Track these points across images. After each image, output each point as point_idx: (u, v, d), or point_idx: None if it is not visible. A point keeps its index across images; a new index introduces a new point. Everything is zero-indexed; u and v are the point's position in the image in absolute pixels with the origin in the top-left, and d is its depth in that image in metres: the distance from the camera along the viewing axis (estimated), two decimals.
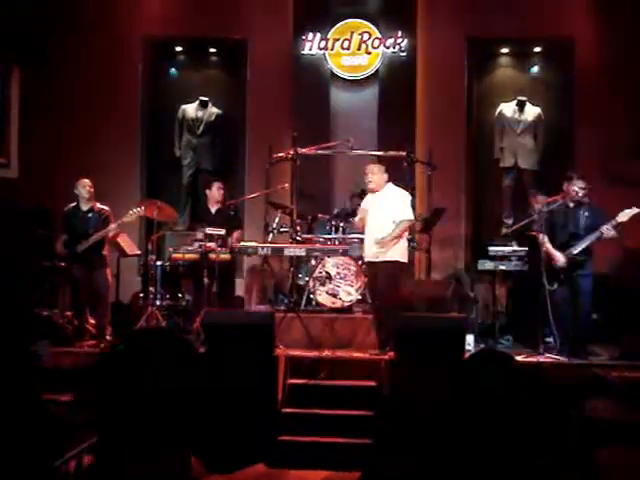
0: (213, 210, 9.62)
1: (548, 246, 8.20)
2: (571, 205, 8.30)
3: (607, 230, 8.03)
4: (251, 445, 6.93)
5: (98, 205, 8.97)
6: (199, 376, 5.06)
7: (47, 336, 8.30)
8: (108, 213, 8.95)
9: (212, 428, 6.11)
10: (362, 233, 8.63)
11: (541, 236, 8.23)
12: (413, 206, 9.38)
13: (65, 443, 5.22)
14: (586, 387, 6.97)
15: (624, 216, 8.03)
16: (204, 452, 6.18)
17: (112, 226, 8.77)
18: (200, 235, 9.14)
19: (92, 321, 8.99)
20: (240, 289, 10.45)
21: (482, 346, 8.50)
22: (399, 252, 8.17)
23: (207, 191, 9.74)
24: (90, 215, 8.89)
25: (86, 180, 8.96)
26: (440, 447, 4.61)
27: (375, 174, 8.27)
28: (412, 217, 8.39)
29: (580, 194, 8.19)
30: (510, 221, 10.56)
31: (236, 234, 9.42)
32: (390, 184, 8.37)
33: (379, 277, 8.16)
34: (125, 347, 5.06)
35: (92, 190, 8.94)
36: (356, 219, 8.65)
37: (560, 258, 8.14)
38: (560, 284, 8.15)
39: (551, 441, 4.29)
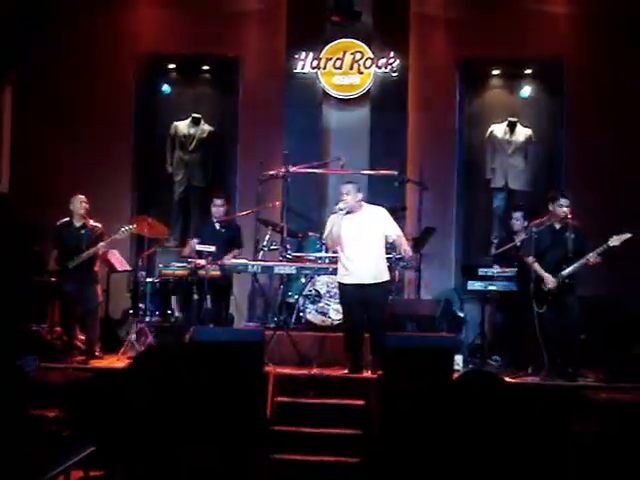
0: (217, 226, 9.52)
1: (537, 268, 8.22)
2: (557, 227, 8.32)
3: (594, 258, 8.06)
4: (240, 463, 6.92)
5: (91, 222, 8.97)
6: None
7: (36, 351, 8.26)
8: (101, 231, 8.96)
9: (200, 445, 6.11)
10: (332, 250, 8.56)
11: (530, 258, 8.26)
12: (403, 225, 9.45)
13: (54, 457, 5.22)
14: (575, 409, 6.99)
15: (615, 241, 8.00)
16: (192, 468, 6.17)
17: (101, 244, 8.77)
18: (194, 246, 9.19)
19: (81, 337, 8.98)
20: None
21: (471, 366, 8.50)
22: (386, 271, 8.16)
23: (211, 206, 9.59)
24: (83, 231, 8.88)
25: (82, 196, 8.96)
26: (428, 467, 4.62)
27: (350, 194, 8.00)
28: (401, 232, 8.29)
29: (568, 215, 8.21)
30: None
31: (236, 252, 9.40)
32: (364, 203, 8.16)
33: (375, 298, 7.95)
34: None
35: (87, 206, 8.95)
36: (327, 236, 8.17)
37: (550, 280, 8.16)
38: (549, 306, 8.15)
39: (540, 462, 4.32)
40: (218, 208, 9.51)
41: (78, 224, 8.93)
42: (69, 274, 8.74)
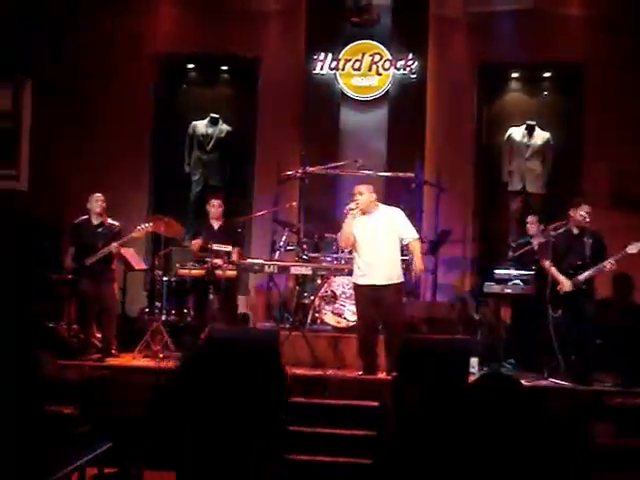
0: (215, 226, 9.61)
1: (554, 272, 8.21)
2: (575, 231, 8.30)
3: (611, 265, 8.03)
4: (255, 464, 6.92)
5: (109, 220, 8.98)
6: None
7: (52, 349, 8.30)
8: (119, 228, 8.96)
9: (215, 446, 6.11)
10: (347, 251, 8.54)
11: (547, 263, 8.24)
12: (420, 227, 9.43)
13: (68, 454, 5.24)
14: (590, 412, 6.97)
15: (634, 248, 7.97)
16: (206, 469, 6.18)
17: (114, 244, 8.76)
18: (194, 248, 9.27)
19: (98, 335, 9.00)
20: (243, 306, 10.45)
21: (486, 369, 8.48)
22: (401, 273, 8.10)
23: (207, 207, 9.75)
24: (100, 229, 8.91)
25: (99, 195, 8.96)
26: (442, 470, 4.60)
27: (363, 194, 7.92)
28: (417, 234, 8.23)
29: (586, 219, 8.20)
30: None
31: (237, 250, 9.44)
32: (380, 204, 8.11)
33: (389, 300, 7.88)
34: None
35: (104, 205, 8.95)
36: (342, 235, 8.12)
37: (567, 284, 8.14)
38: (564, 310, 8.13)
39: (556, 466, 4.30)
40: (216, 209, 9.60)
41: (96, 222, 8.94)
42: (86, 272, 8.76)
